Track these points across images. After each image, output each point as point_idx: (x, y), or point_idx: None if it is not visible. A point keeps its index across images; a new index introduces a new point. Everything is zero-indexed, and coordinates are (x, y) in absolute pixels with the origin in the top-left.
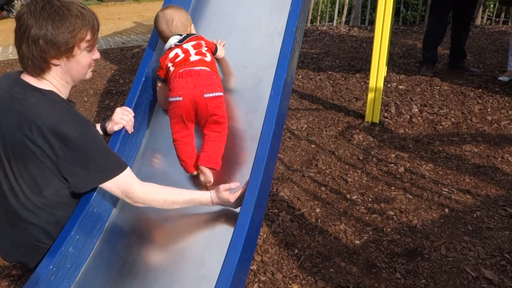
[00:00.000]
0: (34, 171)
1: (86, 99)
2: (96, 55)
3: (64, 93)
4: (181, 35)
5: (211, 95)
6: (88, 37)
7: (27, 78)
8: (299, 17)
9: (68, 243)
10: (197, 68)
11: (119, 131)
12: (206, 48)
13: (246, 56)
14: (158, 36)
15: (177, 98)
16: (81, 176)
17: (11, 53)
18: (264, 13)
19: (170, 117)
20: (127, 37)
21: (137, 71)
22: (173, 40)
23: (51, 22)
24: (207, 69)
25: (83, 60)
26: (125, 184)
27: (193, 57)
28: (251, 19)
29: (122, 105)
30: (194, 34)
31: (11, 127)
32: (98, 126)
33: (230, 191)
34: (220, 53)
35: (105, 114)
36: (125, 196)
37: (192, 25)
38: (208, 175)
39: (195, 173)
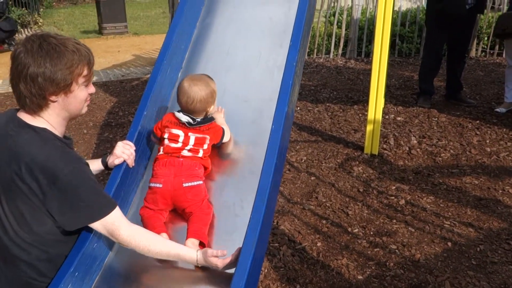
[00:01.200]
0: (22, 208)
1: (85, 131)
2: (92, 89)
3: (59, 130)
4: (194, 119)
5: (190, 184)
6: (85, 72)
7: (23, 115)
8: (299, 51)
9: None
10: (181, 159)
11: (120, 165)
12: (206, 146)
13: (246, 90)
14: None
15: (157, 185)
16: (68, 216)
17: None
18: (264, 47)
19: (145, 201)
20: (126, 70)
21: (139, 105)
22: (183, 119)
23: (49, 59)
24: (191, 161)
25: (80, 95)
26: (112, 225)
27: (185, 152)
28: (251, 54)
29: (121, 137)
30: (207, 122)
31: (3, 164)
32: (99, 161)
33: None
34: (227, 137)
35: (105, 146)
36: (110, 236)
37: (213, 106)
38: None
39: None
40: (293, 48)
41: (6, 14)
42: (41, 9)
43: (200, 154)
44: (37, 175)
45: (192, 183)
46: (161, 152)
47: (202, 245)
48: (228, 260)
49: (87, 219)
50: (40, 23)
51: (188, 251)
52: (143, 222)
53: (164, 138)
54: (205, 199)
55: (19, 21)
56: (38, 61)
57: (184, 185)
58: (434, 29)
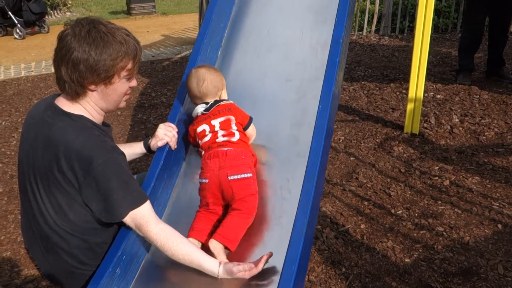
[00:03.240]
0: (58, 196)
1: (119, 113)
2: (133, 82)
3: (97, 117)
4: (207, 103)
5: (236, 177)
6: (129, 65)
7: (61, 102)
8: (345, 28)
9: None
10: (225, 148)
11: (163, 148)
12: (235, 127)
13: (288, 70)
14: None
15: (203, 180)
16: (102, 207)
17: (44, 68)
18: (306, 25)
19: (199, 194)
20: (156, 50)
21: (179, 85)
22: (199, 109)
23: (94, 47)
24: (235, 148)
25: (120, 88)
26: (141, 219)
27: (220, 139)
28: (293, 32)
29: (155, 118)
30: (222, 101)
31: (40, 151)
32: (140, 144)
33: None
34: (251, 131)
35: (139, 127)
36: (138, 230)
37: (224, 90)
38: (219, 253)
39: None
40: (339, 24)
41: None
42: None
43: (237, 137)
44: (73, 163)
45: (239, 176)
46: (202, 152)
47: (228, 249)
48: (255, 270)
49: (117, 212)
50: (69, 5)
51: (210, 264)
52: (194, 218)
53: (198, 144)
54: (254, 196)
55: (49, 3)
56: (83, 47)
57: (230, 178)
58: (474, 2)
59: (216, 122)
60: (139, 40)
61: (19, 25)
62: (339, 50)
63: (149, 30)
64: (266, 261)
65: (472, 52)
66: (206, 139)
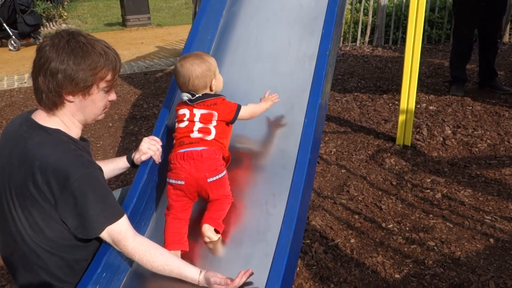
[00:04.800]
0: (34, 213)
1: (110, 124)
2: (112, 96)
3: (74, 131)
4: (193, 95)
5: (214, 178)
6: (109, 77)
7: (37, 116)
8: (332, 39)
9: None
10: (199, 148)
11: (147, 162)
12: (215, 123)
13: (276, 82)
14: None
15: (179, 182)
16: (78, 223)
17: None
18: (294, 37)
19: (169, 195)
20: (150, 62)
21: (165, 99)
22: (184, 97)
23: (73, 57)
24: (209, 148)
25: (99, 100)
26: (118, 234)
27: (194, 134)
28: (280, 43)
29: (146, 130)
30: (210, 97)
31: (15, 167)
32: (123, 159)
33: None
34: (244, 115)
35: (130, 139)
36: (115, 245)
37: (216, 77)
38: (211, 235)
39: (178, 251)
40: (326, 36)
41: (31, 8)
42: (66, 3)
43: (212, 136)
44: (49, 178)
45: (217, 177)
46: (174, 141)
47: (216, 232)
48: (231, 286)
49: (94, 227)
50: (64, 17)
51: (191, 272)
52: (165, 226)
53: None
54: (227, 197)
55: (44, 15)
56: (61, 57)
57: (209, 180)
58: (463, 14)
59: (198, 112)
60: (134, 51)
61: (13, 37)
62: (326, 63)
63: (143, 42)
64: (246, 279)
65: (463, 63)
66: (182, 125)
